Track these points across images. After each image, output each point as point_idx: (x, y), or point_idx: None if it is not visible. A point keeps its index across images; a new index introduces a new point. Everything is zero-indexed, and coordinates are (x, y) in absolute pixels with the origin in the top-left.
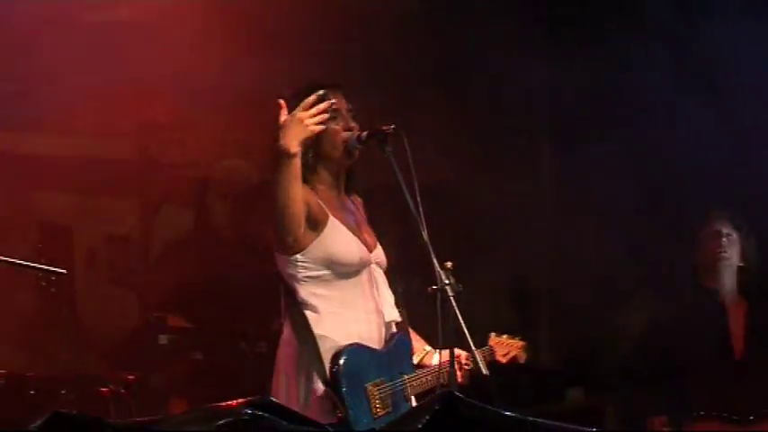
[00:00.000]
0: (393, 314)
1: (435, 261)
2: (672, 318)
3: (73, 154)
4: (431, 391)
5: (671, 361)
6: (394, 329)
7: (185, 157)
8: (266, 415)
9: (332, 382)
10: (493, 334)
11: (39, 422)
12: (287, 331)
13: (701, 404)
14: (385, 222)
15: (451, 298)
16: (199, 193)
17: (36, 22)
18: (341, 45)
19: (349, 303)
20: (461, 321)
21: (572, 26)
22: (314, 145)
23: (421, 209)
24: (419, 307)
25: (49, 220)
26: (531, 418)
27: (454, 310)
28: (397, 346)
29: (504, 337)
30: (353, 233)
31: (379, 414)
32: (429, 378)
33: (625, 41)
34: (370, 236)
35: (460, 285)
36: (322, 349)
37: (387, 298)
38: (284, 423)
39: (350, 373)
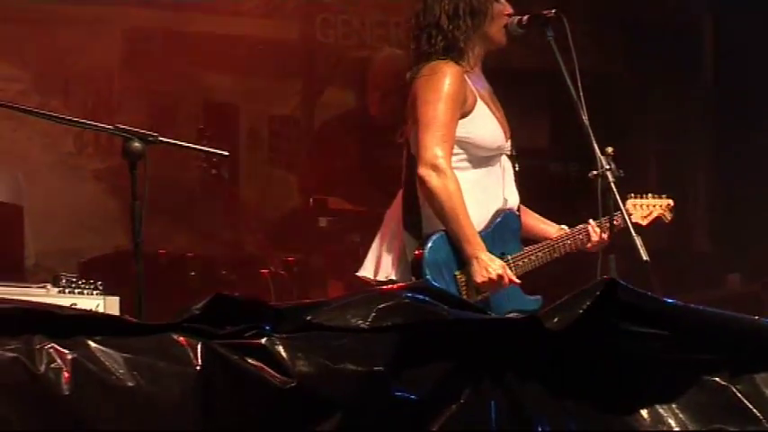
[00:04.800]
0: (515, 201)
1: (596, 146)
2: None
3: (238, 34)
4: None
5: None
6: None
7: (350, 38)
8: (427, 299)
9: (414, 268)
10: (631, 195)
11: (200, 304)
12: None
13: None
14: (538, 106)
15: (612, 184)
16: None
17: None
18: None
19: (474, 187)
20: (622, 207)
21: None
22: (479, 24)
23: (581, 94)
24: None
25: (213, 101)
26: (691, 305)
27: (615, 195)
28: (499, 226)
29: (647, 197)
30: (498, 120)
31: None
32: (541, 254)
33: None
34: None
35: (621, 171)
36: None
37: (511, 186)
38: (445, 308)
39: (435, 260)
